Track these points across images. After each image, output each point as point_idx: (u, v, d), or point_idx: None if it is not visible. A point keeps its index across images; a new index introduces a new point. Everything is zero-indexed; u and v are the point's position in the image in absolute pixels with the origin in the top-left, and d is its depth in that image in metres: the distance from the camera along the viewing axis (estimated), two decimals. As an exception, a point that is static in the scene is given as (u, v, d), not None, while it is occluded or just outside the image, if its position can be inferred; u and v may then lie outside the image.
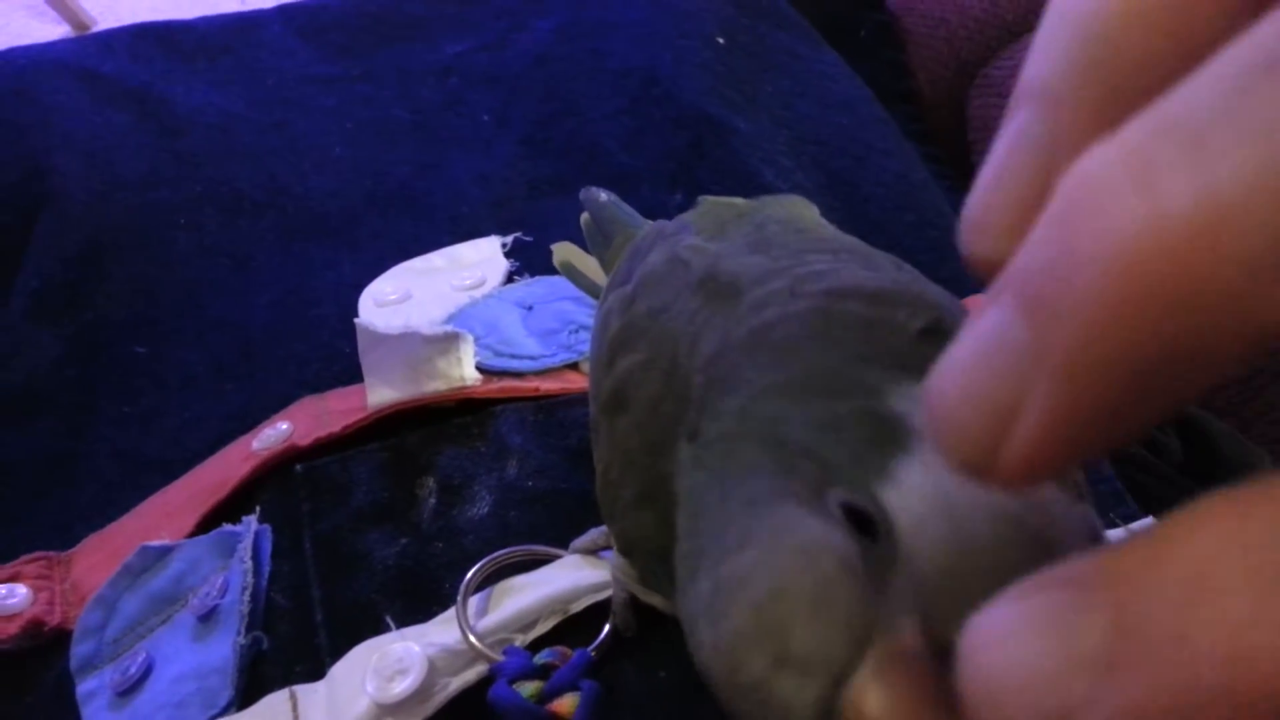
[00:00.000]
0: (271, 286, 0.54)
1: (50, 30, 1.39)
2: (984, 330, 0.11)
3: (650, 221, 0.43)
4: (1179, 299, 0.09)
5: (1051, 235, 0.10)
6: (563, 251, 0.46)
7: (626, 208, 0.45)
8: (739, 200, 0.36)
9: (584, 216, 0.45)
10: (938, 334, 0.23)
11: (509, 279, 0.52)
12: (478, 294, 0.51)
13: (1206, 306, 0.09)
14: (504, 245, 0.54)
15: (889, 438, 0.19)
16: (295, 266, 0.56)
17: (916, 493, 0.18)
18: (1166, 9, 0.10)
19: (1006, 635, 0.11)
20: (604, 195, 0.45)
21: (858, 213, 0.59)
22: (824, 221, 0.34)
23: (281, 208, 0.60)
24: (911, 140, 0.69)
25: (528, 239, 0.55)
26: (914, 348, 0.23)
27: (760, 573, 0.18)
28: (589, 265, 0.46)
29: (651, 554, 0.29)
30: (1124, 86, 0.10)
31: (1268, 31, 0.09)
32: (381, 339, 0.42)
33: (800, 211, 0.35)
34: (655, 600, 0.31)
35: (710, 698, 0.33)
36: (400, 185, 0.62)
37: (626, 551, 0.31)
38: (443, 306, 0.49)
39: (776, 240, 0.30)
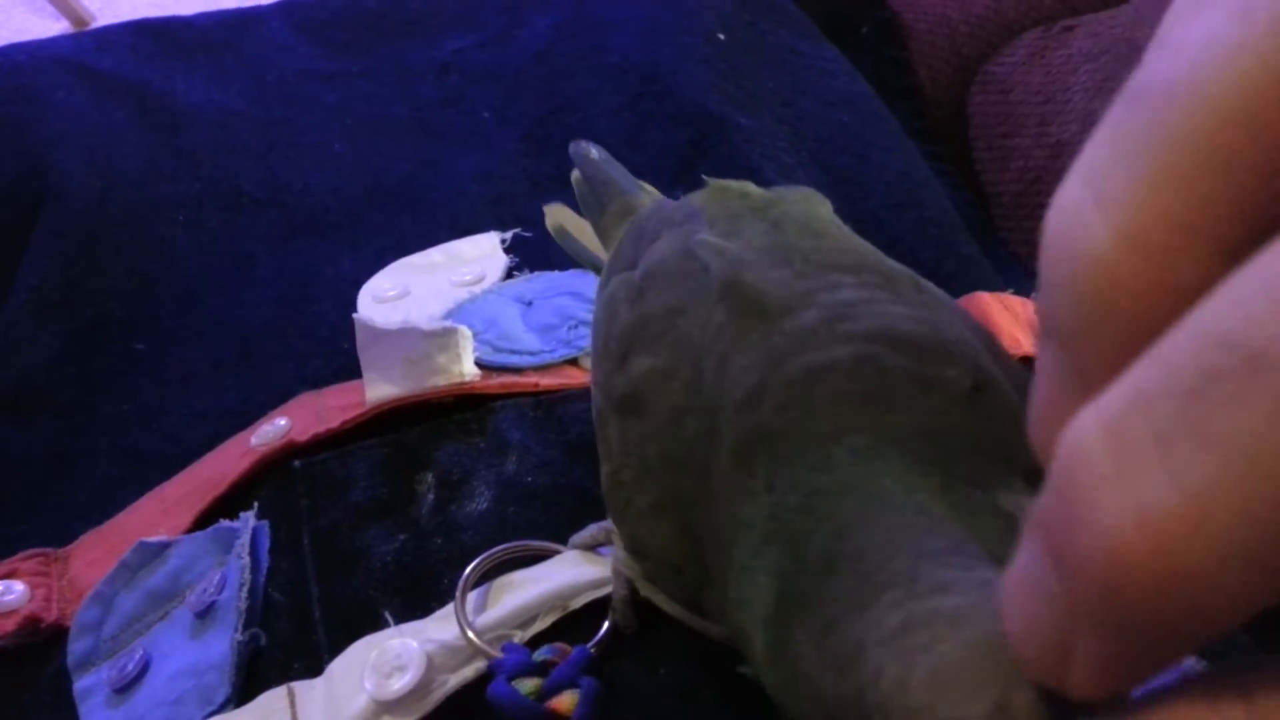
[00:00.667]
0: (271, 283, 0.54)
1: (49, 26, 1.39)
2: (1027, 568, 0.12)
3: (644, 187, 0.43)
4: (1165, 584, 0.10)
5: (1054, 504, 0.11)
6: (556, 214, 0.45)
7: (618, 166, 0.44)
8: (750, 187, 0.34)
9: (574, 174, 0.44)
10: (983, 392, 0.24)
11: (508, 275, 0.52)
12: (477, 290, 0.50)
13: (1191, 589, 0.10)
14: (503, 241, 0.54)
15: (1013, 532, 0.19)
16: (295, 263, 0.55)
17: None
18: (1152, 264, 0.10)
19: None
20: (594, 151, 0.44)
21: (859, 210, 0.59)
22: (838, 221, 0.34)
23: (282, 204, 0.60)
24: (913, 137, 0.69)
25: (527, 235, 0.55)
26: (974, 418, 0.23)
27: (974, 614, 0.17)
28: (584, 230, 0.45)
29: (664, 563, 0.29)
30: (1123, 333, 0.11)
31: (1215, 317, 0.10)
32: (380, 334, 0.42)
33: (815, 210, 0.34)
34: (660, 599, 0.31)
35: (710, 696, 0.33)
36: (400, 182, 0.61)
37: (636, 552, 0.30)
38: (442, 302, 0.49)
39: (798, 248, 0.29)
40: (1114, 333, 0.11)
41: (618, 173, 0.43)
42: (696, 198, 0.35)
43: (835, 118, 0.65)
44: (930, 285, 0.29)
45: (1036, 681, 0.13)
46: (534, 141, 0.64)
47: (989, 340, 0.28)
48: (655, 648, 0.34)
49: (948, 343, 0.25)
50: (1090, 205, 0.11)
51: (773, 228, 0.31)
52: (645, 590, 0.32)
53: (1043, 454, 0.12)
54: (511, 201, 0.59)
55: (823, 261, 0.28)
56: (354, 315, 0.42)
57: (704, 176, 0.36)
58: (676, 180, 0.60)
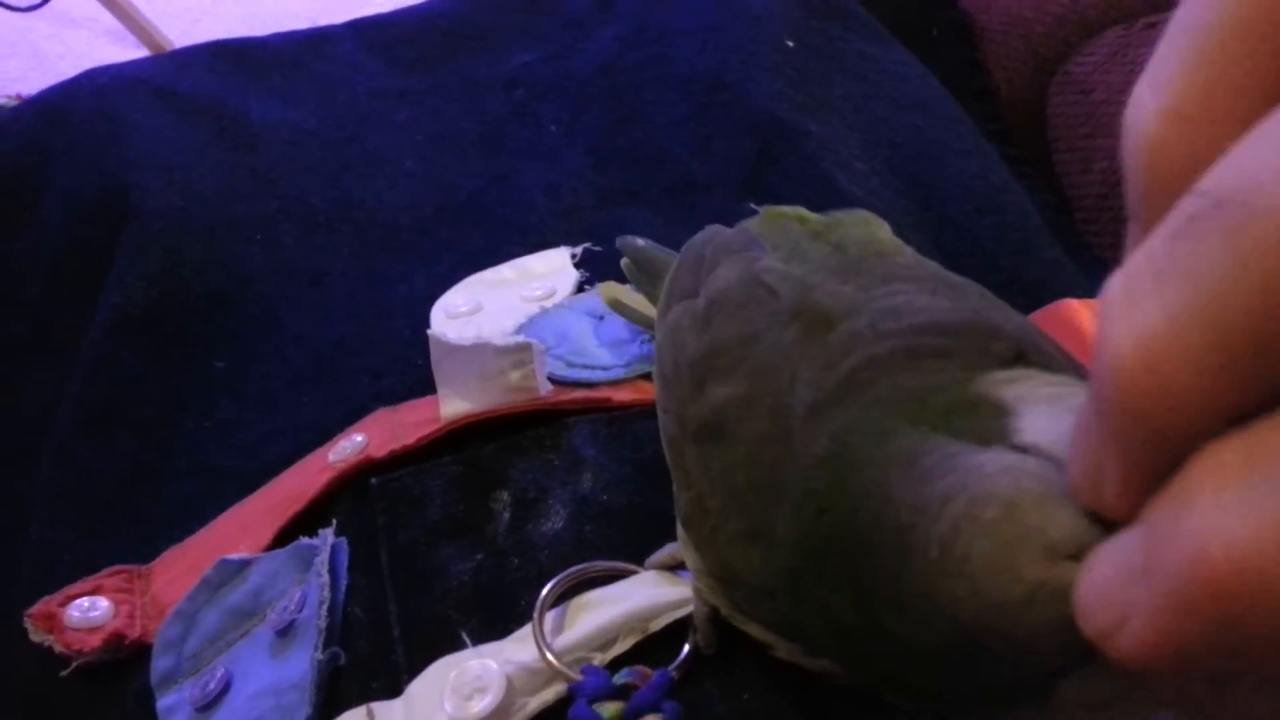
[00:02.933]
0: (346, 300, 0.54)
1: (131, 55, 1.42)
2: (1083, 414, 0.15)
3: None
4: (1157, 393, 0.12)
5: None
6: (609, 290, 0.46)
7: (666, 250, 0.45)
8: (805, 212, 0.35)
9: (624, 261, 0.46)
10: (1027, 359, 0.24)
11: (579, 289, 0.51)
12: (548, 305, 0.50)
13: (1176, 395, 0.12)
14: (573, 256, 0.54)
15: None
16: (368, 280, 0.56)
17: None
18: (1188, 137, 0.12)
19: None
20: (641, 241, 0.45)
21: (936, 216, 0.58)
22: (900, 242, 0.33)
23: (355, 222, 0.61)
24: (989, 140, 0.67)
25: (597, 249, 0.54)
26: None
27: (1005, 479, 0.18)
28: (638, 300, 0.46)
29: (758, 589, 0.28)
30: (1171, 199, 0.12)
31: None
32: (454, 350, 0.41)
33: (874, 231, 0.34)
34: (752, 630, 0.30)
35: (797, 716, 0.32)
36: (470, 197, 0.62)
37: (724, 580, 0.30)
38: (514, 317, 0.49)
39: (861, 266, 0.30)
40: (1165, 201, 0.12)
41: (665, 254, 0.45)
42: (752, 224, 0.35)
43: (909, 122, 0.64)
44: (996, 298, 0.29)
45: (1090, 634, 0.14)
46: (601, 154, 0.64)
47: (1055, 343, 0.27)
48: (738, 671, 0.33)
49: (994, 327, 0.25)
50: (1147, 93, 0.13)
51: (834, 250, 0.32)
52: (733, 619, 0.31)
53: (1079, 493, 0.16)
54: (580, 215, 0.59)
55: (885, 275, 0.29)
56: (428, 331, 0.42)
57: (754, 206, 0.36)
58: (747, 191, 0.59)
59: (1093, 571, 0.15)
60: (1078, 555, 0.16)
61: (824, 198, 0.55)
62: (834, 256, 0.31)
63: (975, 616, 0.18)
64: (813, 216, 0.35)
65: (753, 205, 0.38)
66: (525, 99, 0.69)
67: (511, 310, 0.50)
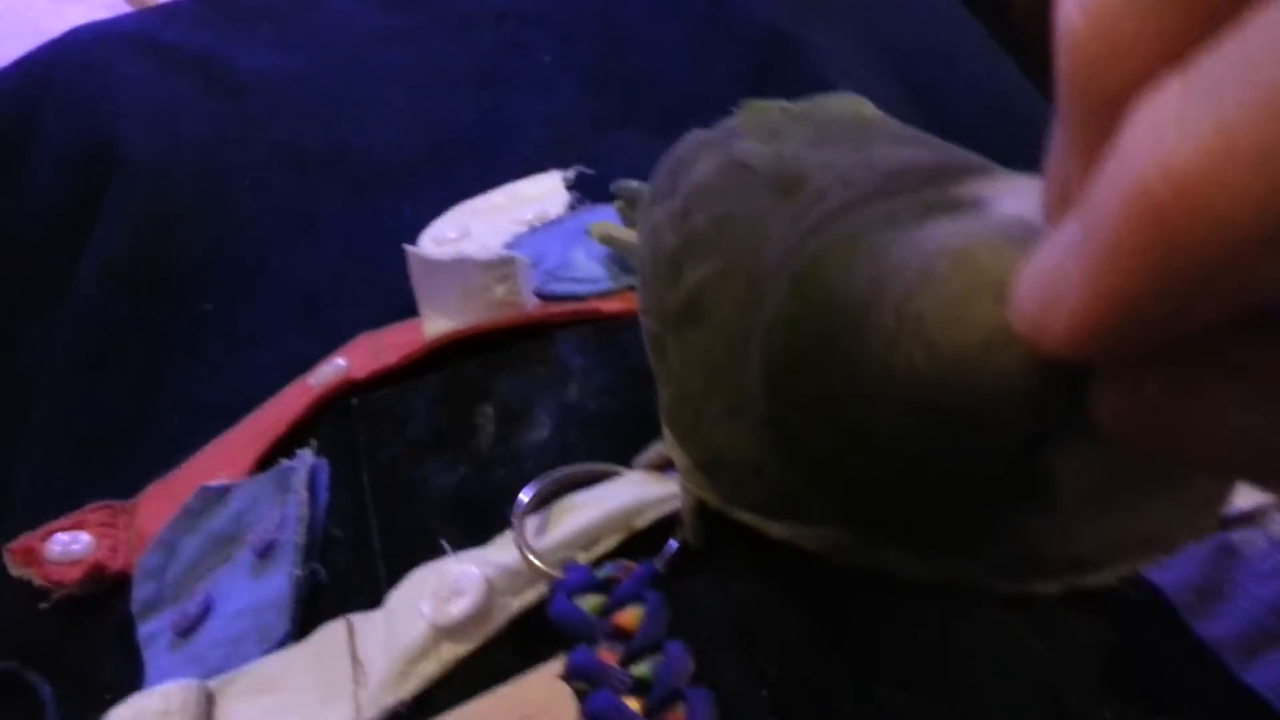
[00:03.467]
0: (336, 239, 0.53)
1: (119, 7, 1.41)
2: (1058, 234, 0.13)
3: None
4: (1190, 212, 0.10)
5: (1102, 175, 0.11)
6: (600, 227, 0.44)
7: None
8: (787, 103, 0.33)
9: (618, 203, 0.44)
10: None
11: (571, 210, 0.49)
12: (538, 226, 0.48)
13: (1203, 217, 0.10)
14: (566, 180, 0.52)
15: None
16: (359, 219, 0.54)
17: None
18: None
19: None
20: (635, 183, 0.43)
21: (945, 123, 0.55)
22: (885, 115, 0.31)
23: (346, 163, 0.59)
24: (1004, 52, 0.64)
25: (590, 172, 0.53)
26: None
27: (960, 235, 0.17)
28: (629, 234, 0.44)
29: (745, 466, 0.26)
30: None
31: None
32: (434, 266, 0.40)
33: (859, 109, 0.32)
34: (745, 517, 0.29)
35: (783, 611, 0.30)
36: (463, 131, 0.60)
37: (711, 468, 0.28)
38: (501, 239, 0.47)
39: (843, 136, 0.28)
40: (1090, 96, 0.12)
41: None
42: (732, 119, 0.33)
43: (915, 30, 0.61)
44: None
45: (1027, 331, 0.14)
46: (595, 81, 0.62)
47: None
48: (725, 564, 0.31)
49: (976, 162, 0.23)
50: None
51: (816, 129, 0.30)
52: (727, 510, 0.29)
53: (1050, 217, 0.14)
54: (574, 143, 0.57)
55: (864, 139, 0.27)
56: (406, 247, 0.40)
57: (752, 101, 0.34)
58: (746, 107, 0.57)
59: (1029, 265, 0.14)
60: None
61: (825, 106, 0.53)
62: (815, 132, 0.29)
63: (935, 380, 0.16)
64: (795, 104, 0.33)
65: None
66: (517, 30, 0.67)
67: (500, 234, 0.48)
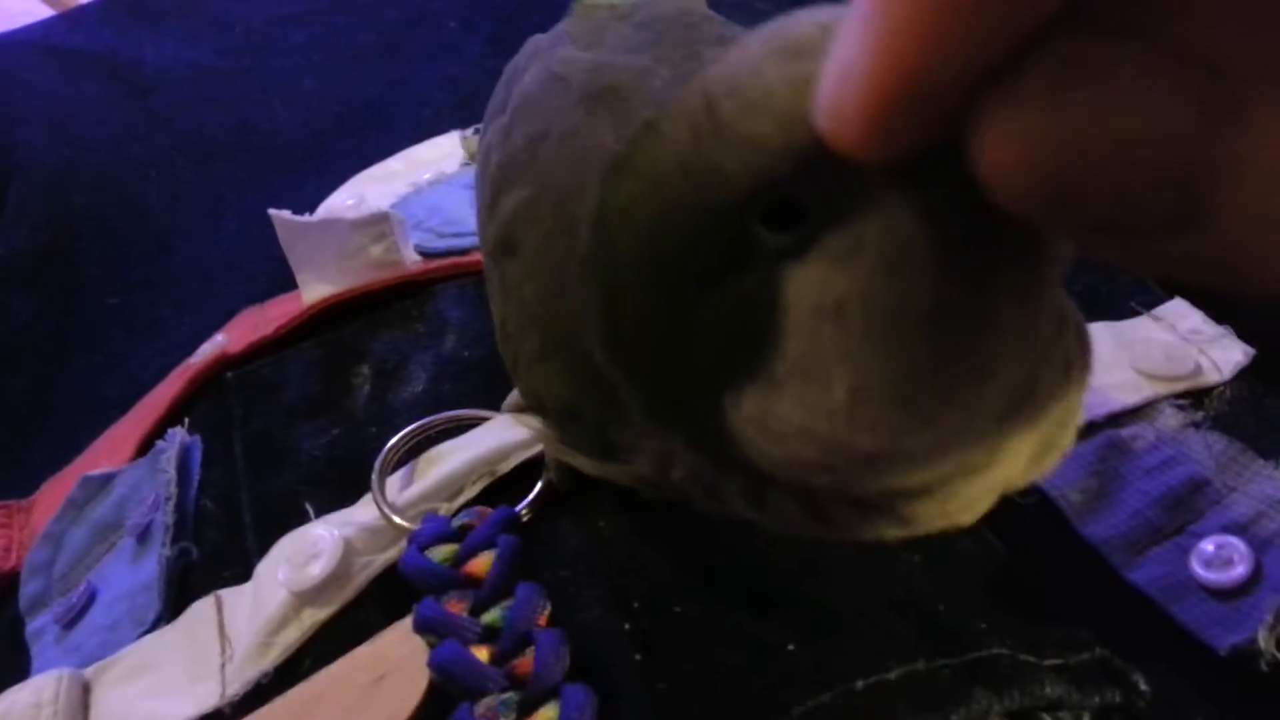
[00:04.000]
0: (237, 222, 0.52)
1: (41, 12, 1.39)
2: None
3: None
4: None
5: None
6: (475, 144, 0.42)
7: None
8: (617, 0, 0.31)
9: None
10: None
11: (465, 164, 0.48)
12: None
13: None
14: (463, 138, 0.51)
15: None
16: (260, 200, 0.53)
17: None
18: None
19: None
20: None
21: None
22: (711, 13, 0.30)
23: (253, 147, 0.58)
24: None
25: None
26: None
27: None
28: None
29: (562, 411, 0.25)
30: None
31: None
32: (302, 229, 0.39)
33: (687, 4, 0.30)
34: (577, 460, 0.28)
35: (647, 545, 0.29)
36: (368, 105, 0.59)
37: (538, 409, 0.27)
38: (389, 201, 0.46)
39: (664, 38, 0.27)
40: None
41: None
42: (564, 22, 0.31)
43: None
44: None
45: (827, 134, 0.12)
46: (502, 41, 0.61)
47: None
48: (593, 503, 0.30)
49: None
50: None
51: (637, 29, 0.28)
52: (559, 453, 0.28)
53: None
54: (476, 101, 0.55)
55: (685, 41, 0.26)
56: (269, 211, 0.39)
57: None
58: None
59: (827, 60, 0.12)
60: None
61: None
62: (637, 33, 0.28)
63: (722, 84, 0.16)
64: (625, 1, 0.31)
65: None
66: (423, 2, 0.66)
67: (393, 196, 0.47)
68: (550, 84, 0.27)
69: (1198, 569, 0.27)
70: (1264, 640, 0.25)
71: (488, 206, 0.28)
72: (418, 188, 0.47)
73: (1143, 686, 0.25)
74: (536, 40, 0.32)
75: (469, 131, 0.51)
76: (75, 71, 0.64)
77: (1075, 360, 0.17)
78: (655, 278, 0.17)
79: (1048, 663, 0.26)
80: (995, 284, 0.15)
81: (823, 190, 0.15)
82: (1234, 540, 0.28)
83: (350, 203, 0.48)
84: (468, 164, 0.48)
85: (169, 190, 0.56)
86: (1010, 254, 0.14)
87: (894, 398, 0.16)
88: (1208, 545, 0.28)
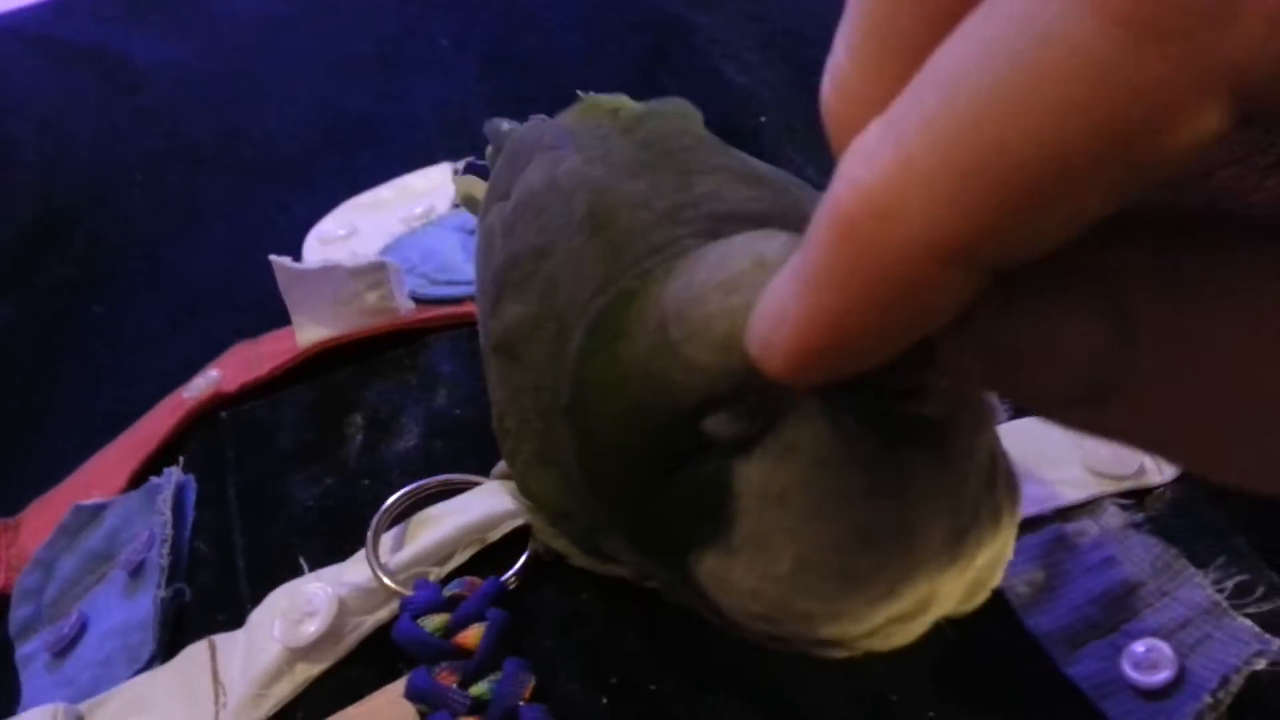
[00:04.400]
0: (225, 235, 0.53)
1: None
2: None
3: None
4: (877, 213, 0.11)
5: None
6: (465, 185, 0.44)
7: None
8: (623, 101, 0.34)
9: (489, 149, 0.43)
10: None
11: (458, 205, 0.49)
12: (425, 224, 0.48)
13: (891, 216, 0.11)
14: (456, 171, 0.52)
15: None
16: (249, 213, 0.54)
17: None
18: None
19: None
20: (506, 125, 0.42)
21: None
22: (707, 134, 0.32)
23: (240, 155, 0.59)
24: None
25: (482, 162, 0.52)
26: None
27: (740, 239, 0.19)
28: None
29: (553, 511, 0.28)
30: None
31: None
32: (302, 275, 0.40)
33: (686, 123, 0.32)
34: (560, 546, 0.30)
35: (625, 620, 0.31)
36: (360, 119, 0.60)
37: (530, 501, 0.29)
38: (385, 239, 0.47)
39: (662, 162, 0.28)
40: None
41: None
42: (567, 117, 0.33)
43: (810, 9, 0.61)
44: (807, 186, 0.28)
45: (758, 358, 0.14)
46: (493, 64, 0.62)
47: None
48: (577, 574, 0.32)
49: (798, 217, 0.23)
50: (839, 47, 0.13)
51: (640, 146, 0.30)
52: (545, 536, 0.30)
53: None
54: (469, 128, 0.57)
55: (683, 168, 0.27)
56: (270, 258, 0.40)
57: (580, 93, 0.34)
58: (638, 92, 0.57)
59: (765, 292, 0.14)
60: None
61: (710, 91, 0.53)
62: (638, 153, 0.29)
63: (672, 309, 0.18)
64: (628, 106, 0.33)
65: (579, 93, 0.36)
66: (418, 14, 0.67)
67: (385, 232, 0.48)
68: (555, 195, 0.29)
69: (1127, 669, 0.30)
70: (1182, 743, 0.28)
71: (491, 301, 0.29)
72: (409, 224, 0.48)
73: (1073, 781, 0.28)
74: (538, 128, 0.34)
75: (460, 165, 0.52)
76: (63, 63, 0.63)
77: (1005, 509, 0.20)
78: (623, 458, 0.20)
79: (989, 754, 0.28)
80: (913, 466, 0.18)
81: (756, 402, 0.18)
82: (1161, 645, 0.30)
83: (342, 233, 0.49)
84: (459, 206, 0.49)
85: (154, 195, 0.56)
86: (924, 439, 0.18)
87: (832, 567, 0.19)
88: (1138, 647, 0.30)
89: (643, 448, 0.20)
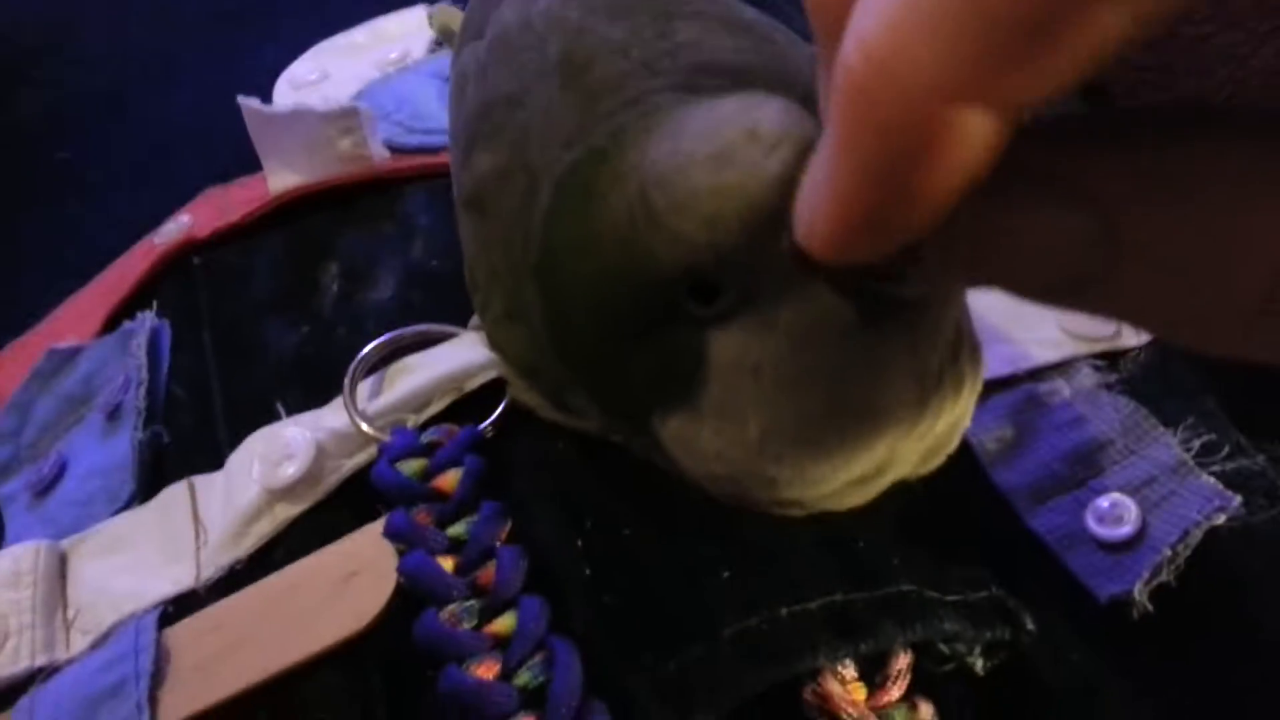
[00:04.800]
0: (193, 80, 0.51)
1: None
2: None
3: None
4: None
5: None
6: (443, 16, 0.42)
7: None
8: None
9: None
10: (811, 101, 0.22)
11: (434, 50, 0.48)
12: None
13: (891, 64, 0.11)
14: (429, 14, 0.50)
15: None
16: (218, 57, 0.52)
17: None
18: None
19: None
20: None
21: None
22: None
23: (205, -4, 0.56)
24: None
25: (459, 5, 0.51)
26: None
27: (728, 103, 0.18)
28: None
29: (522, 368, 0.27)
30: None
31: None
32: (271, 118, 0.39)
33: None
34: (533, 401, 0.30)
35: (597, 467, 0.31)
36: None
37: (500, 356, 0.29)
38: (358, 85, 0.46)
39: (642, 4, 0.27)
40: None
41: None
42: None
43: None
44: (800, 40, 0.27)
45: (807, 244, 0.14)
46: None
47: None
48: (552, 424, 0.32)
49: (781, 70, 0.23)
50: None
51: None
52: (517, 391, 0.30)
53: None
54: (444, -31, 0.55)
55: (664, 11, 0.26)
56: (239, 99, 0.39)
57: None
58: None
59: (805, 180, 0.14)
60: (784, 148, 0.16)
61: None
62: None
63: (654, 179, 0.17)
64: None
65: None
66: None
67: (359, 78, 0.47)
68: (530, 36, 0.27)
69: (1091, 523, 0.31)
70: (1139, 593, 0.29)
71: (462, 151, 0.28)
72: (383, 69, 0.47)
73: (1030, 625, 0.29)
74: None
75: (434, 8, 0.50)
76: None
77: (967, 377, 0.21)
78: (592, 321, 0.20)
79: (949, 599, 0.29)
80: (884, 342, 0.18)
81: (738, 276, 0.18)
82: (1126, 500, 0.31)
83: (313, 78, 0.47)
84: (435, 51, 0.47)
85: (119, 40, 0.54)
86: (896, 316, 0.18)
87: (797, 438, 0.19)
88: (1103, 502, 0.31)
89: (613, 312, 0.20)
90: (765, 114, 0.17)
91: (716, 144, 0.17)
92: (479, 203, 0.26)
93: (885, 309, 0.18)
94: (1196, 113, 0.12)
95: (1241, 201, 0.11)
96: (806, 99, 0.22)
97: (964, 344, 0.20)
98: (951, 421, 0.21)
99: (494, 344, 0.28)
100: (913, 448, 0.20)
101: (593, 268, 0.20)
